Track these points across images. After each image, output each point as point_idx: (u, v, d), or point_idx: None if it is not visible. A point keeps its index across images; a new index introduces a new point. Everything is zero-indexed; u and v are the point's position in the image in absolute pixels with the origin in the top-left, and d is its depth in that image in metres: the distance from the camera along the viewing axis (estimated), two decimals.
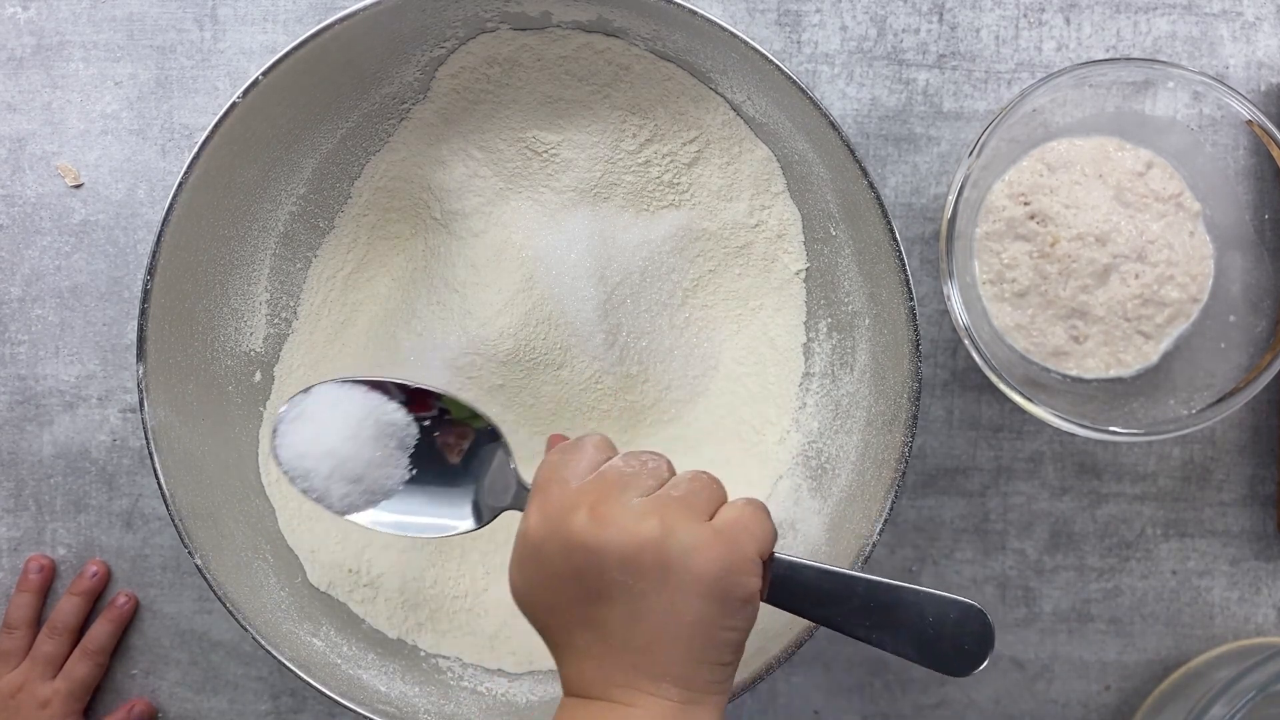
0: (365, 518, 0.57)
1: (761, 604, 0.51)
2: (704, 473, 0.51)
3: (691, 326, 0.69)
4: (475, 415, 0.59)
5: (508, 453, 0.59)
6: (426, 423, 0.58)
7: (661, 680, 0.48)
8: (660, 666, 0.48)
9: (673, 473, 0.52)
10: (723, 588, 0.48)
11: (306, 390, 0.57)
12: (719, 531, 0.49)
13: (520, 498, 0.58)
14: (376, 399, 0.57)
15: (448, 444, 0.58)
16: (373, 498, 0.57)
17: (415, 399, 0.58)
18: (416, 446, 0.57)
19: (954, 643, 0.50)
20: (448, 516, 0.58)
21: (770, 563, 0.51)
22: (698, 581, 0.48)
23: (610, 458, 0.52)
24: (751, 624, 0.50)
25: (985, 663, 0.50)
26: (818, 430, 0.67)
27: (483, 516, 0.58)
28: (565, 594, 0.49)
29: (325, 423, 0.56)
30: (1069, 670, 0.73)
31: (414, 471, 0.57)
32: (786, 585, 0.51)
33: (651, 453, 0.52)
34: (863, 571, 0.52)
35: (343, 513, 0.57)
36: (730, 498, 0.52)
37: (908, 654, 0.51)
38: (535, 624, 0.51)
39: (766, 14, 0.72)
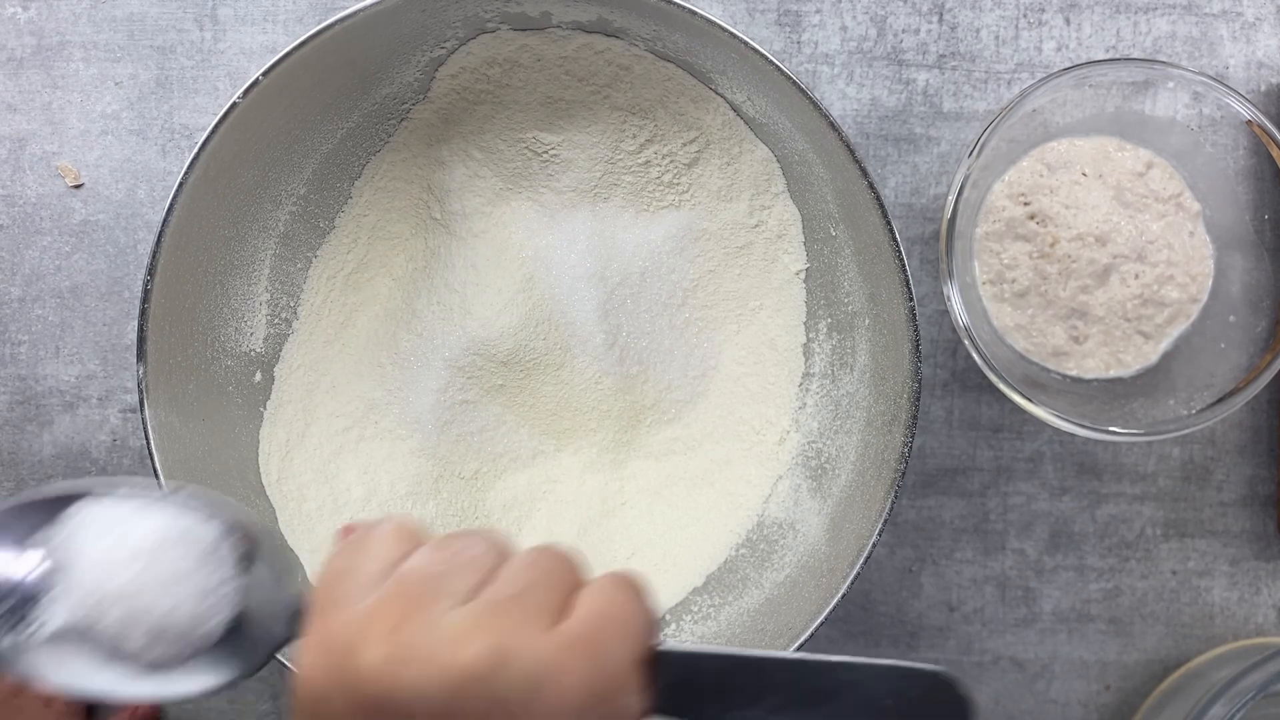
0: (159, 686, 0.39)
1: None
2: (547, 549, 0.38)
3: (691, 327, 0.69)
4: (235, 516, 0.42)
5: (276, 555, 0.41)
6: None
7: None
8: None
9: (502, 557, 0.37)
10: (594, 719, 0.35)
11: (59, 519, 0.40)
12: (573, 641, 0.35)
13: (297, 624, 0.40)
14: (168, 512, 0.40)
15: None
16: (183, 651, 0.39)
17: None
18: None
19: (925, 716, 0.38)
20: (200, 669, 0.39)
21: (656, 661, 0.37)
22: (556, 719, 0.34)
23: (414, 549, 0.38)
24: None
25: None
26: (818, 430, 0.67)
27: (253, 657, 0.40)
28: None
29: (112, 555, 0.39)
30: (1069, 670, 0.73)
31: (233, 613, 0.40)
32: (683, 688, 0.37)
33: (470, 533, 0.38)
34: (792, 649, 0.40)
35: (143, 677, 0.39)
36: (590, 576, 0.38)
37: None
38: None
39: (766, 14, 0.72)
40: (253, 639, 0.40)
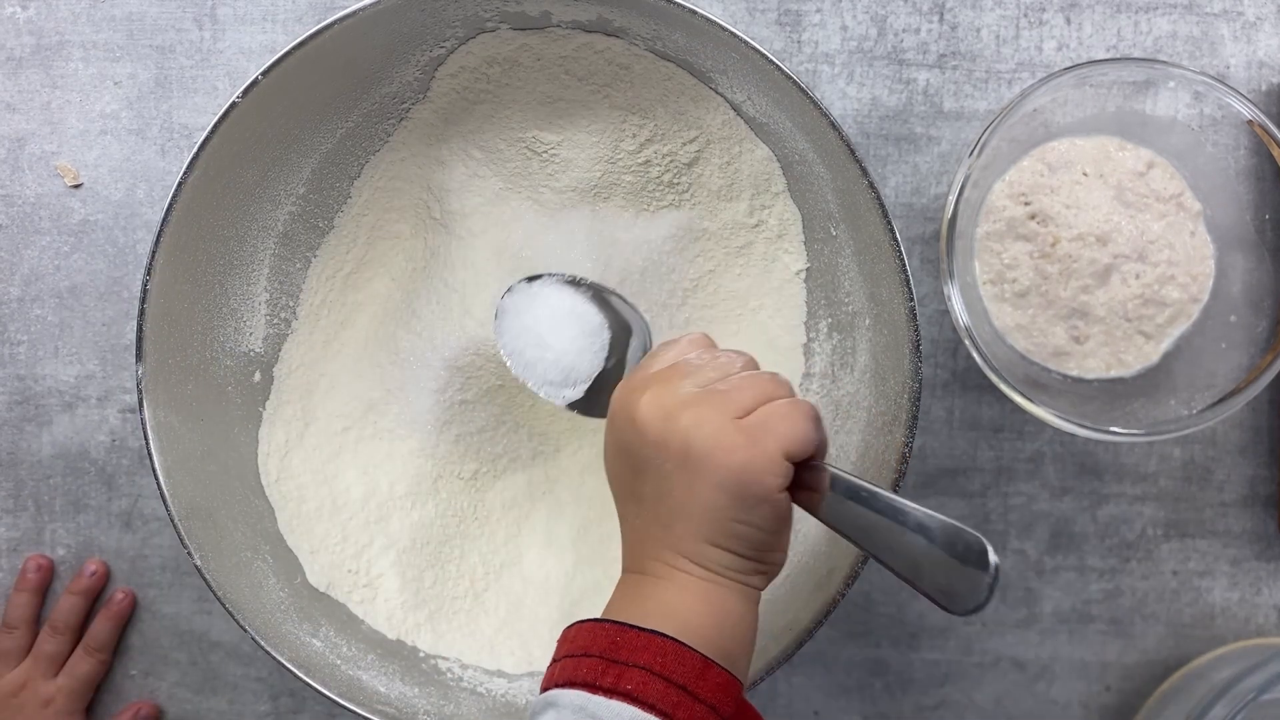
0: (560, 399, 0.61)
1: (818, 520, 0.52)
2: (766, 373, 0.53)
3: (691, 326, 0.69)
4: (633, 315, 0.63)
5: (648, 343, 0.62)
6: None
7: (680, 555, 0.50)
8: (679, 543, 0.50)
9: (745, 369, 0.53)
10: (738, 482, 0.49)
11: (510, 289, 0.63)
12: (743, 429, 0.50)
13: None
14: (571, 294, 0.62)
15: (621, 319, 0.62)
16: (567, 383, 0.61)
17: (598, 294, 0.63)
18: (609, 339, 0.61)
19: (950, 582, 0.50)
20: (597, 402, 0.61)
21: (816, 471, 0.51)
22: (714, 472, 0.49)
23: (697, 350, 0.55)
24: (776, 523, 0.51)
25: (984, 608, 0.49)
26: None
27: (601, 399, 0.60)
28: (622, 465, 0.53)
29: (538, 316, 0.62)
30: (1069, 671, 0.73)
31: (610, 362, 0.61)
32: (833, 501, 0.51)
33: (735, 352, 0.54)
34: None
35: (547, 397, 0.62)
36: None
37: (911, 580, 0.51)
38: (611, 487, 0.55)
39: (767, 14, 0.72)
40: (603, 384, 0.61)
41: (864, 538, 0.51)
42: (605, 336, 0.62)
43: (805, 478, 0.51)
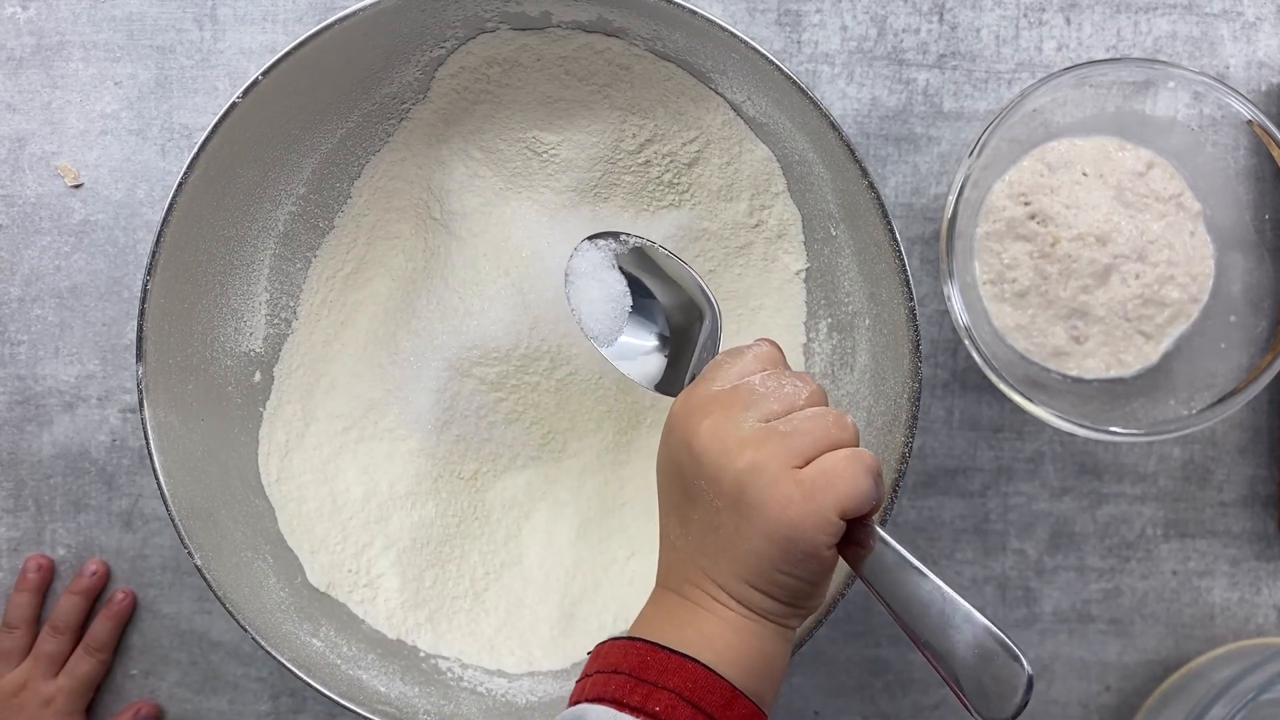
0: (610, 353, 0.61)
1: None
2: (830, 412, 0.51)
3: None
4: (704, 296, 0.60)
5: (717, 342, 0.59)
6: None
7: (721, 590, 0.50)
8: (721, 578, 0.50)
9: (810, 403, 0.51)
10: (787, 536, 0.48)
11: (579, 249, 0.61)
12: (800, 482, 0.49)
13: None
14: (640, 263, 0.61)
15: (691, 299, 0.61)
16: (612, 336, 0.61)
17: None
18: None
19: (985, 688, 0.49)
20: (653, 371, 0.60)
21: (865, 527, 0.50)
22: (764, 523, 0.48)
23: (764, 369, 0.53)
24: (820, 576, 0.50)
25: (1015, 717, 0.49)
26: None
27: (673, 387, 0.59)
28: (673, 484, 0.52)
29: (590, 277, 0.61)
30: (1069, 670, 0.73)
31: (662, 340, 0.60)
32: (876, 562, 0.50)
33: (801, 377, 0.52)
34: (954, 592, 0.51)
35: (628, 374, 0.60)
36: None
37: (948, 674, 0.50)
38: (658, 494, 0.54)
39: (766, 14, 0.72)
40: (681, 379, 0.59)
41: (902, 610, 0.50)
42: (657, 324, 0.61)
43: (854, 532, 0.51)
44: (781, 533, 0.48)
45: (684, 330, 0.60)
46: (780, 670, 0.51)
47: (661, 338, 0.60)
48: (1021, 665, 0.49)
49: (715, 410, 0.51)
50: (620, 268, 0.61)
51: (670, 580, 0.52)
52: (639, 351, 0.60)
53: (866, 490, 0.49)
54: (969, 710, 0.49)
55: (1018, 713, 0.49)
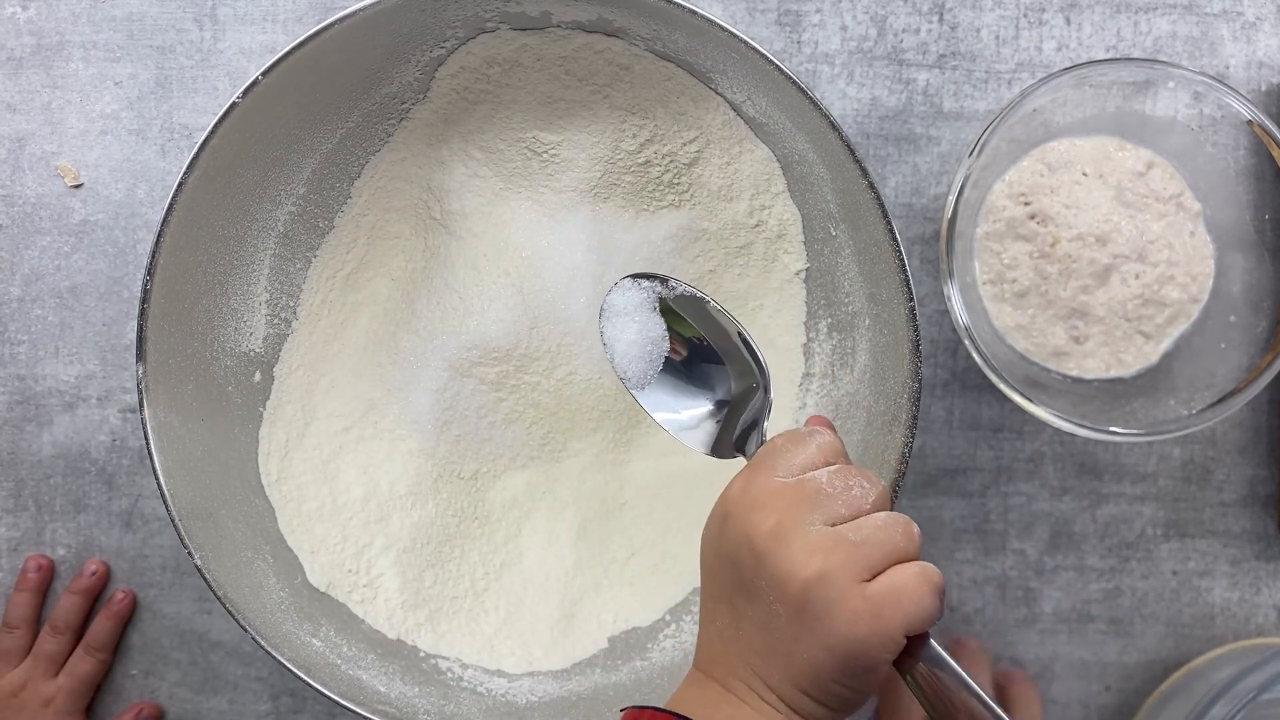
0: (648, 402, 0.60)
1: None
2: (899, 520, 0.50)
3: None
4: (753, 357, 0.59)
5: (766, 410, 0.58)
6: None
7: (769, 689, 0.49)
8: (772, 679, 0.49)
9: (876, 507, 0.50)
10: (849, 652, 0.48)
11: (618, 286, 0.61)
12: (869, 599, 0.48)
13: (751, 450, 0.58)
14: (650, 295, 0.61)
15: (746, 367, 0.59)
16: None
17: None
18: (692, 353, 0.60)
19: None
20: (694, 430, 0.59)
21: (922, 642, 0.50)
22: (828, 635, 0.48)
23: (828, 464, 0.52)
24: (872, 688, 0.50)
25: None
26: None
27: (717, 450, 0.59)
28: (725, 571, 0.51)
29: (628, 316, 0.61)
30: (1069, 670, 0.73)
31: (718, 405, 0.59)
32: (927, 679, 0.50)
33: (867, 477, 0.51)
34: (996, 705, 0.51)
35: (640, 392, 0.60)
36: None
37: None
38: (701, 576, 0.53)
39: (766, 14, 0.72)
40: (727, 442, 0.58)
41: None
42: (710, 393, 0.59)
43: (909, 643, 0.50)
44: (844, 648, 0.47)
45: (730, 391, 0.59)
46: None
47: (718, 403, 0.59)
48: None
49: (779, 507, 0.49)
50: (671, 319, 0.60)
51: (714, 669, 0.51)
52: (689, 410, 0.59)
53: (932, 611, 0.49)
54: None
55: None
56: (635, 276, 0.60)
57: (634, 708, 0.51)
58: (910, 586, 0.48)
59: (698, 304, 0.60)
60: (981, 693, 0.49)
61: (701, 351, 0.59)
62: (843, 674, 0.48)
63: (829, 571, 0.48)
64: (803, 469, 0.51)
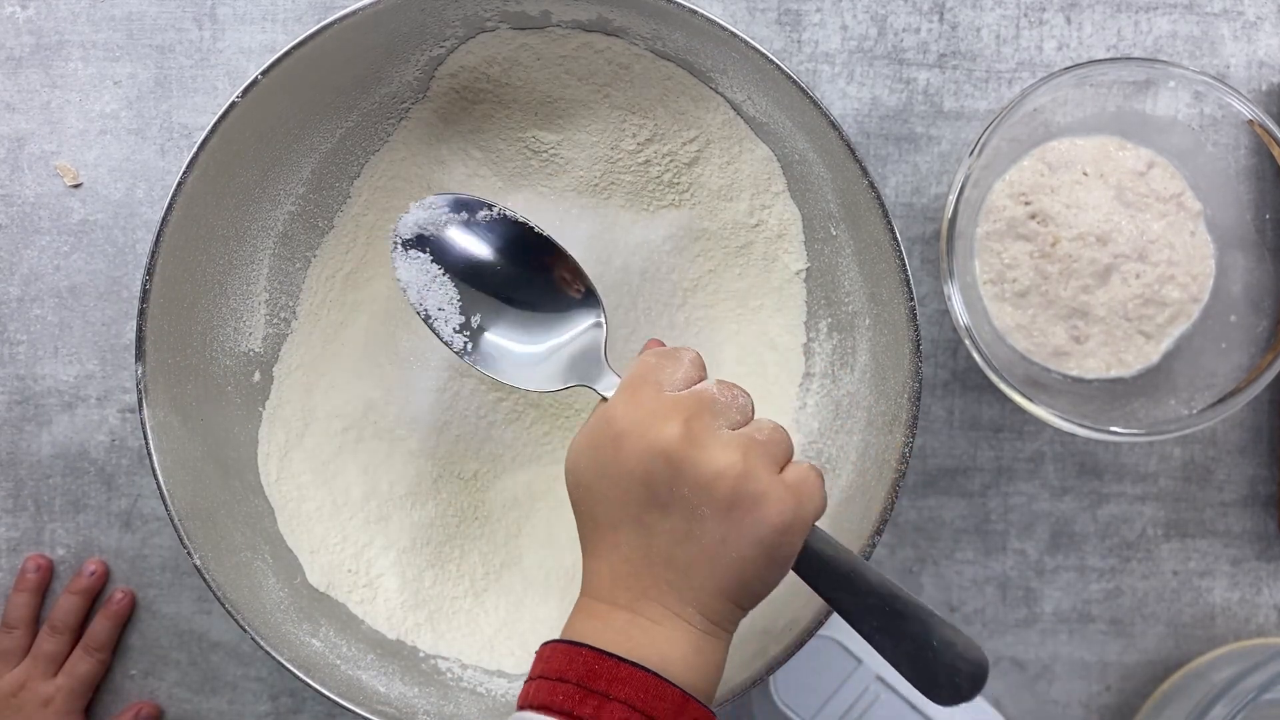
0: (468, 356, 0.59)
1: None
2: (780, 425, 0.52)
3: (691, 326, 0.68)
4: (579, 270, 0.59)
5: (602, 324, 0.59)
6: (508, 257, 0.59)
7: (688, 604, 0.49)
8: (693, 591, 0.49)
9: (754, 414, 0.53)
10: (776, 541, 0.49)
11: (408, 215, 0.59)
12: (789, 486, 0.50)
13: (599, 378, 0.58)
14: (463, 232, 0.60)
15: (564, 279, 0.59)
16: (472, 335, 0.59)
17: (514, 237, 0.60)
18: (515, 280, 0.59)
19: (948, 672, 0.50)
20: (529, 368, 0.59)
21: (811, 532, 0.51)
22: (757, 526, 0.49)
23: (703, 379, 0.53)
24: (779, 581, 0.51)
25: (970, 699, 0.51)
26: (818, 430, 0.67)
27: (561, 383, 0.59)
28: (628, 492, 0.50)
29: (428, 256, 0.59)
30: (1070, 671, 0.73)
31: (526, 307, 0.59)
32: (818, 558, 0.52)
33: (740, 388, 0.53)
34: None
35: (454, 348, 0.59)
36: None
37: (902, 666, 0.51)
38: (581, 509, 0.52)
39: (767, 13, 0.72)
40: (567, 372, 0.59)
41: (848, 600, 0.51)
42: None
43: None
44: (773, 538, 0.49)
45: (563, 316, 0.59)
46: (722, 670, 0.52)
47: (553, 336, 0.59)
48: (983, 659, 0.50)
49: (683, 417, 0.50)
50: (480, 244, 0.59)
51: (618, 595, 0.50)
52: (525, 347, 0.59)
53: (825, 497, 0.51)
54: (926, 694, 0.51)
55: (973, 694, 0.50)
56: (442, 197, 0.60)
57: (547, 643, 0.50)
58: (811, 477, 0.51)
59: (517, 228, 0.60)
60: (859, 560, 0.52)
61: (530, 281, 0.60)
62: (767, 566, 0.49)
63: (752, 467, 0.49)
64: (686, 383, 0.52)
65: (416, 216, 0.59)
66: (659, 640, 0.49)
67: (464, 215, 0.60)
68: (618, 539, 0.51)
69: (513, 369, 0.59)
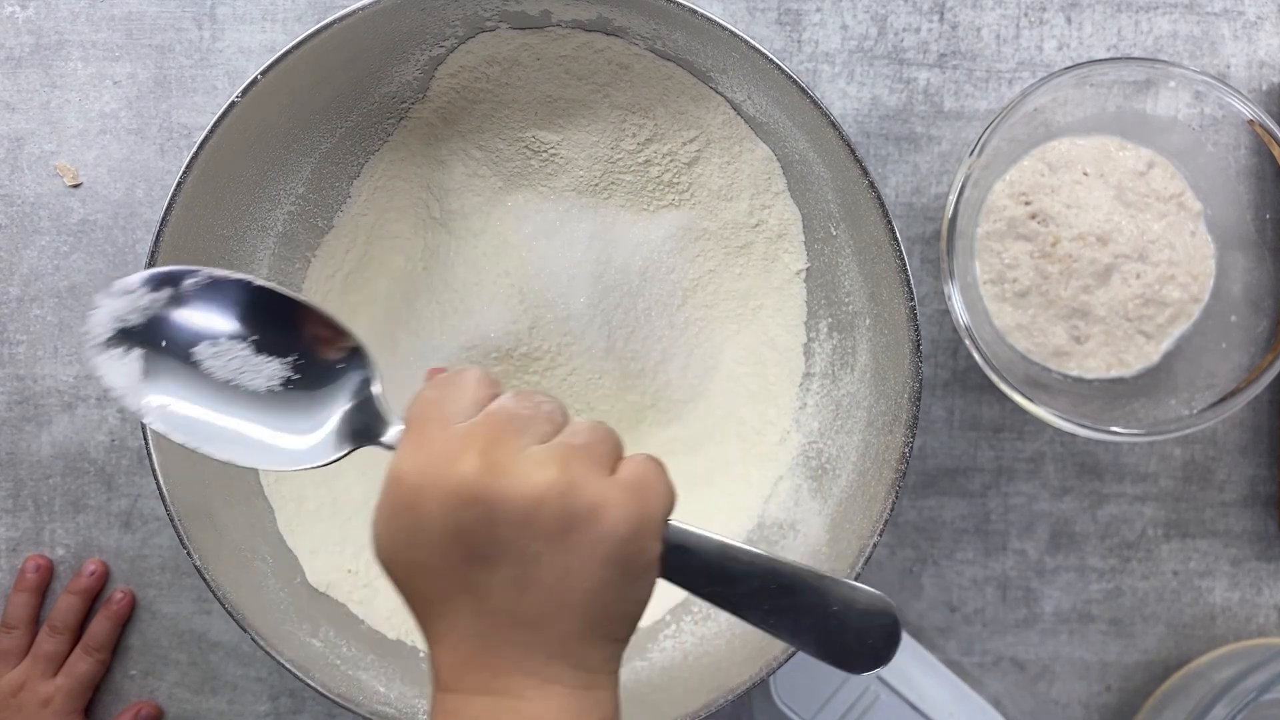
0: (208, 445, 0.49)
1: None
2: (601, 422, 0.45)
3: (691, 326, 0.68)
4: (335, 325, 0.50)
5: (372, 376, 0.50)
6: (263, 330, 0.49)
7: (554, 660, 0.42)
8: (553, 643, 0.42)
9: (566, 419, 0.45)
10: (628, 552, 0.42)
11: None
12: (626, 487, 0.43)
13: (383, 431, 0.49)
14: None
15: (320, 338, 0.50)
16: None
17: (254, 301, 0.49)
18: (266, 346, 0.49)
19: (858, 636, 0.45)
20: (296, 441, 0.49)
21: (665, 529, 0.45)
22: (602, 542, 0.42)
23: (496, 395, 0.45)
24: (648, 595, 0.44)
25: (889, 661, 0.46)
26: (818, 430, 0.67)
27: (336, 450, 0.49)
28: (443, 554, 0.42)
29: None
30: (1070, 671, 0.73)
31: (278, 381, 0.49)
32: (681, 556, 0.45)
33: (543, 393, 0.46)
34: (775, 554, 0.47)
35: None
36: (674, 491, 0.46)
37: (807, 646, 0.46)
38: (403, 589, 0.44)
39: (767, 13, 0.72)
40: (342, 434, 0.49)
41: (725, 589, 0.45)
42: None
43: None
44: (619, 550, 0.42)
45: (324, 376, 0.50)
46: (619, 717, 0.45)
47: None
48: (891, 611, 0.45)
49: (478, 447, 0.42)
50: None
51: (466, 679, 0.42)
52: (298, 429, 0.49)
53: (673, 490, 0.45)
54: (842, 668, 0.46)
55: (890, 653, 0.45)
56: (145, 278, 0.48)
57: None
58: (650, 470, 0.44)
59: (248, 292, 0.49)
60: (728, 542, 0.46)
61: (276, 349, 0.49)
62: (627, 584, 0.43)
63: (575, 478, 0.42)
64: (476, 407, 0.44)
65: (111, 309, 0.48)
66: (530, 716, 0.42)
67: (168, 292, 0.48)
68: (450, 612, 0.43)
69: (276, 456, 0.49)
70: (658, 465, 0.45)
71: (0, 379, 0.73)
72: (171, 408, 0.48)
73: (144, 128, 0.73)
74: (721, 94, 0.65)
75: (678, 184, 0.67)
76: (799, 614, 0.45)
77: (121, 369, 0.48)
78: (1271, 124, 0.63)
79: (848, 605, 0.45)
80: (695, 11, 0.59)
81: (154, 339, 0.48)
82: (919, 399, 0.59)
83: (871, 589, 0.46)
